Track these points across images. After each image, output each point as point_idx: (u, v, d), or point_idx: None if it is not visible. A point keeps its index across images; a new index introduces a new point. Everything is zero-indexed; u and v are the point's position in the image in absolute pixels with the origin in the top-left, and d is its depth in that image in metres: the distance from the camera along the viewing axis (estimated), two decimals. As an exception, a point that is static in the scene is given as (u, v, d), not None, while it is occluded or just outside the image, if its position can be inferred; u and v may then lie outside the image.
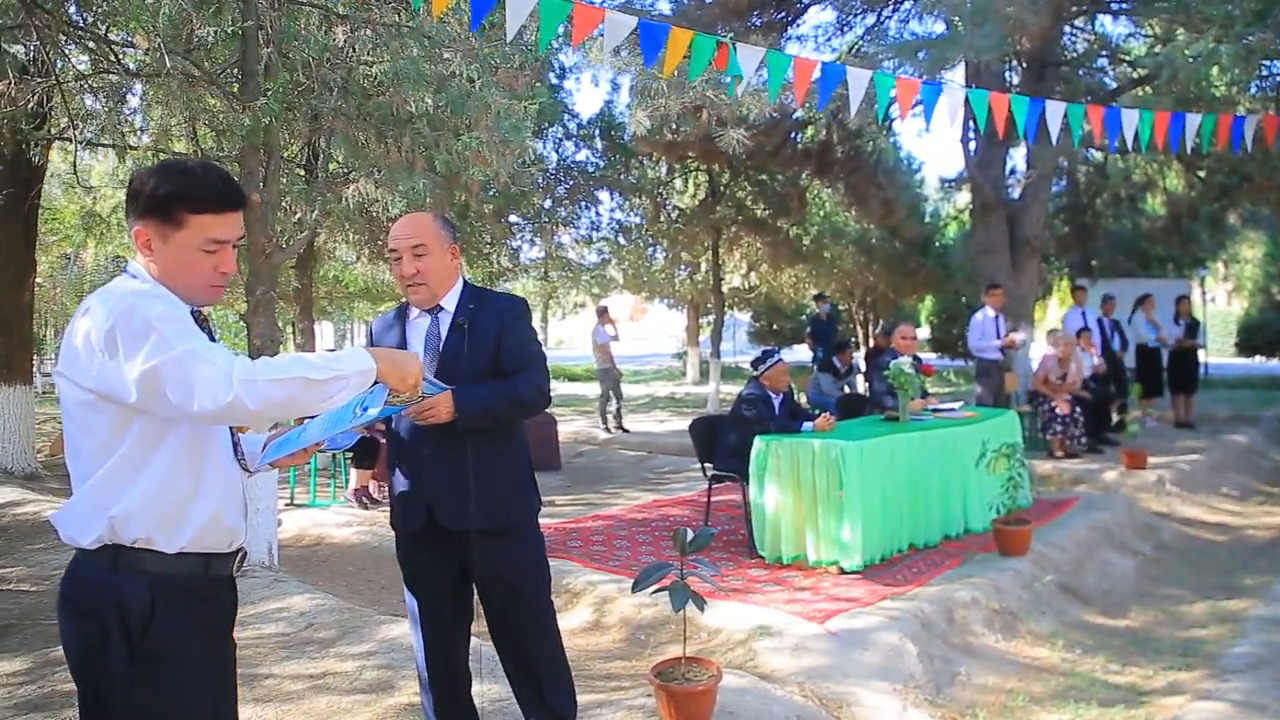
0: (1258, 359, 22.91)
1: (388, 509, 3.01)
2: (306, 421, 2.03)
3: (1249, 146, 7.03)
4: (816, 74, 5.42)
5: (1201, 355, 13.79)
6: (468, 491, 2.68)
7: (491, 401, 2.68)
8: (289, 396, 1.70)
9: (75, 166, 8.73)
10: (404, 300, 2.89)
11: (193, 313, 1.90)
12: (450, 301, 2.81)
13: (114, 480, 1.77)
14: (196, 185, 1.84)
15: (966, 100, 5.78)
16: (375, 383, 1.87)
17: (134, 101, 7.65)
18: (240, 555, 1.98)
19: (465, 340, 2.75)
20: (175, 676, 1.80)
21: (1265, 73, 9.80)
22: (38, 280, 10.53)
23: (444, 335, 2.77)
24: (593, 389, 16.54)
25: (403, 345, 2.78)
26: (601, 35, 4.70)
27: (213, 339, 1.94)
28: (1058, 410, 9.44)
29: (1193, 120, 6.56)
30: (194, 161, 1.97)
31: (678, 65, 5.15)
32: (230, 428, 1.95)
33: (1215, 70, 8.49)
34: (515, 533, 2.82)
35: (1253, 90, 10.16)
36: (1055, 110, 6.09)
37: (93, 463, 1.79)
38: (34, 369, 10.24)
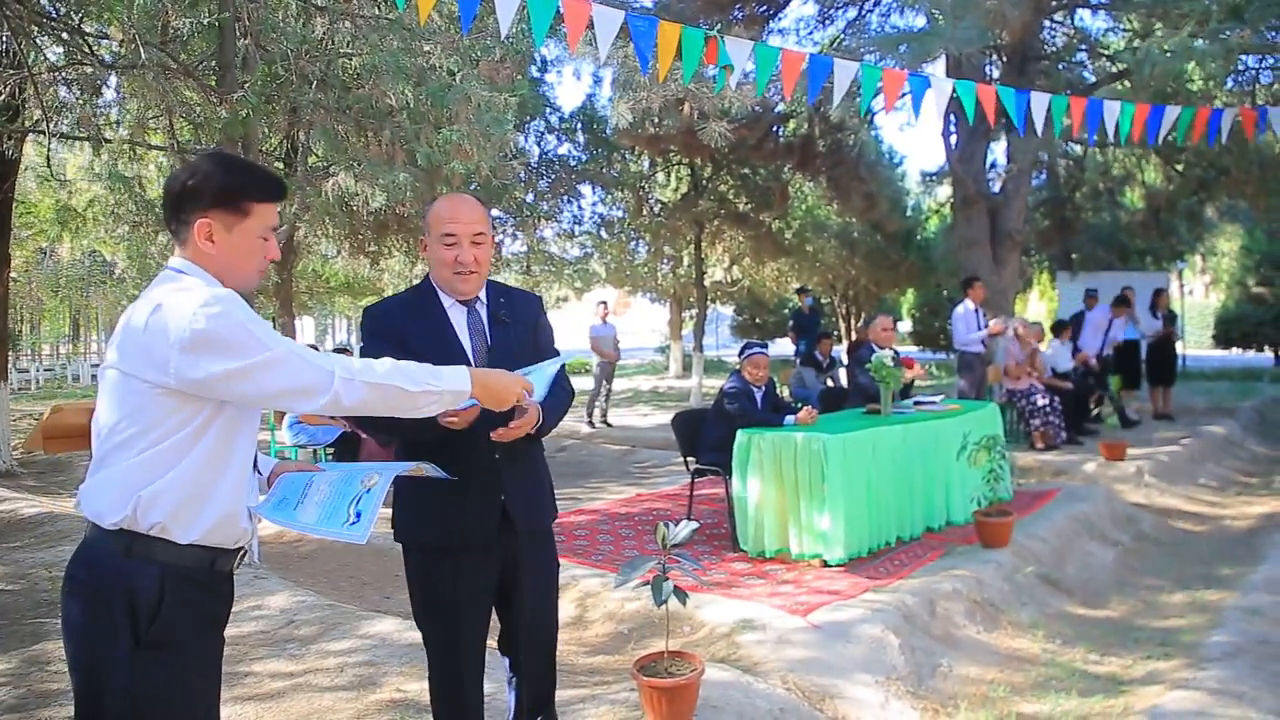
0: (1234, 351, 23.14)
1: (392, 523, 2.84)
2: (307, 490, 2.07)
3: (1224, 140, 7.08)
4: (804, 66, 5.41)
5: (1179, 347, 13.93)
6: (536, 491, 2.74)
7: (557, 409, 2.67)
8: (382, 400, 1.89)
9: (50, 160, 8.62)
10: (419, 285, 2.73)
11: None
12: (482, 293, 2.72)
13: (156, 463, 1.83)
14: (256, 176, 1.98)
15: (954, 92, 5.79)
16: (370, 483, 2.01)
17: (109, 94, 7.57)
18: (242, 554, 2.03)
19: (511, 335, 2.69)
20: (177, 666, 1.84)
21: (1242, 67, 9.90)
22: (12, 275, 10.41)
23: (489, 329, 2.67)
24: (582, 383, 16.56)
25: (444, 335, 2.62)
26: (592, 31, 4.65)
27: None
28: (1038, 402, 9.50)
29: (1171, 113, 6.60)
30: (234, 155, 2.05)
31: (671, 66, 5.10)
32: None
33: (1192, 65, 8.54)
34: (550, 531, 2.85)
35: (1229, 84, 10.26)
36: (1040, 102, 6.11)
37: (133, 444, 1.83)
38: (8, 365, 10.10)
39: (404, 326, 2.62)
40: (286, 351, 1.83)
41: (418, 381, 1.92)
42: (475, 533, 2.60)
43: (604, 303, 13.92)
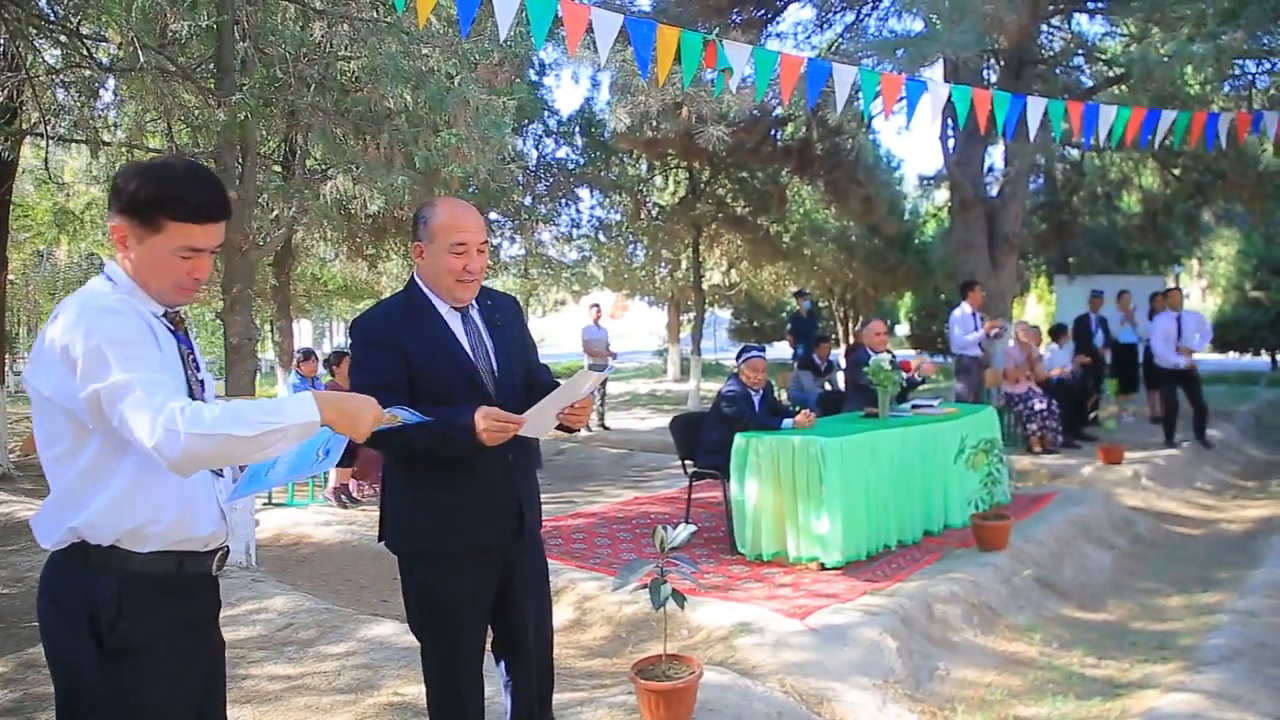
0: (1231, 355, 23.16)
1: (376, 521, 2.81)
2: (275, 461, 1.97)
3: (1223, 144, 7.10)
4: (803, 70, 5.42)
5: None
6: (537, 492, 2.77)
7: None
8: (213, 452, 1.66)
9: (47, 162, 8.62)
10: (408, 291, 2.66)
11: (167, 313, 1.90)
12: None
13: (76, 491, 1.78)
14: (180, 193, 1.82)
15: (949, 97, 5.80)
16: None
17: (107, 96, 7.57)
18: (220, 554, 1.98)
19: (509, 340, 2.71)
20: (146, 672, 1.80)
21: (1238, 71, 9.92)
22: (10, 278, 10.40)
23: (485, 333, 2.66)
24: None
25: (446, 341, 2.58)
26: (591, 35, 4.66)
27: (188, 344, 1.93)
28: (1035, 406, 9.51)
29: (1168, 117, 6.62)
30: (184, 164, 1.93)
31: (670, 69, 5.10)
32: None
33: (1189, 69, 8.57)
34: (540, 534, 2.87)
35: (1226, 89, 10.28)
36: (1035, 107, 6.13)
37: (56, 468, 1.80)
38: (6, 368, 10.09)
39: (403, 334, 2.55)
40: (126, 381, 1.66)
41: (253, 423, 1.67)
42: (493, 535, 2.61)
43: (596, 305, 13.95)
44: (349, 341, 2.64)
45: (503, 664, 2.79)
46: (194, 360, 1.94)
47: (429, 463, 2.52)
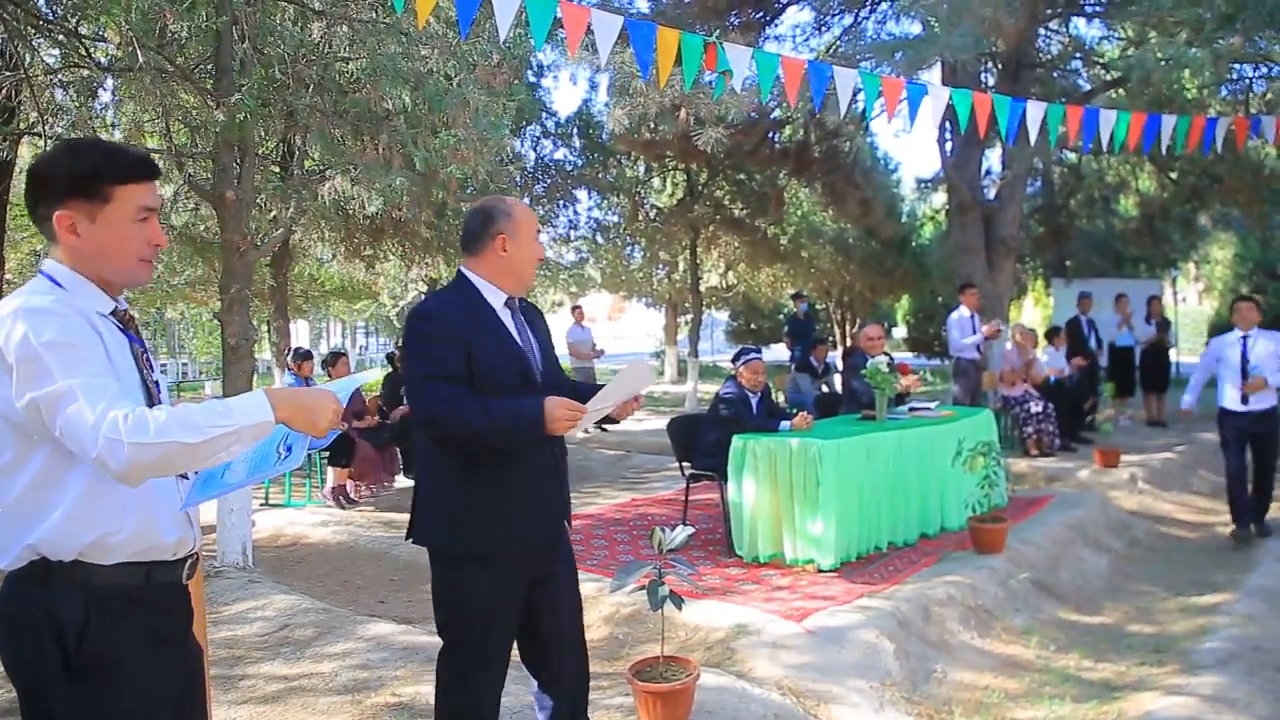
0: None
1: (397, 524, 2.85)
2: (230, 464, 1.87)
3: (1219, 149, 7.12)
4: (804, 73, 5.43)
5: (1173, 355, 13.98)
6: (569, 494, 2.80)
7: None
8: (160, 460, 1.57)
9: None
10: (460, 285, 2.63)
11: (116, 311, 1.81)
12: None
13: (27, 507, 1.69)
14: (114, 158, 1.79)
15: (950, 100, 5.81)
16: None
17: (105, 97, 7.55)
18: (191, 561, 1.89)
19: (543, 337, 2.74)
20: (117, 687, 1.71)
21: (1235, 76, 9.95)
22: (7, 277, 10.37)
23: (528, 330, 2.68)
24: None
25: (504, 336, 2.59)
26: (591, 36, 4.66)
27: (140, 344, 1.85)
28: (1032, 409, 9.52)
29: (1167, 122, 6.64)
30: (87, 139, 1.90)
31: (670, 72, 5.10)
32: None
33: (1186, 73, 8.59)
34: None
35: (1223, 93, 10.32)
36: (1035, 111, 6.14)
37: (7, 481, 1.69)
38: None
39: (468, 329, 2.53)
40: (66, 388, 1.57)
41: (201, 429, 1.57)
42: (539, 534, 2.63)
43: (579, 307, 14.04)
44: (399, 336, 2.51)
45: (535, 683, 2.75)
46: (148, 360, 1.86)
47: (486, 459, 2.51)
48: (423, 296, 2.76)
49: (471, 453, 2.51)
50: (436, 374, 2.45)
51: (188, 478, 1.85)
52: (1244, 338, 6.67)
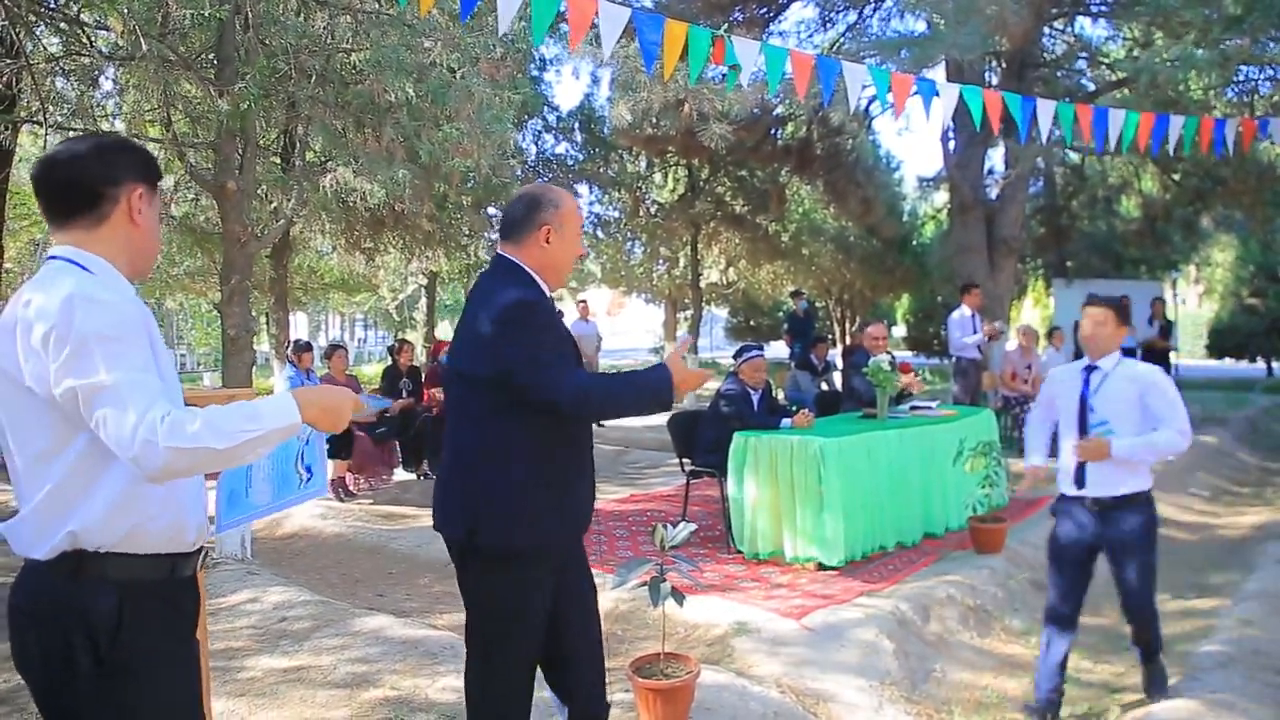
0: (1227, 361, 23.21)
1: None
2: (250, 472, 1.91)
3: (1230, 150, 7.10)
4: (813, 67, 5.40)
5: (1173, 357, 13.97)
6: None
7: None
8: (191, 464, 1.58)
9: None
10: (522, 277, 2.49)
11: None
12: None
13: (67, 493, 1.65)
14: (150, 156, 1.86)
15: (961, 97, 5.78)
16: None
17: (107, 85, 7.54)
18: (203, 553, 1.90)
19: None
20: (148, 685, 1.69)
21: (1241, 77, 9.93)
22: (6, 266, 10.35)
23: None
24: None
25: (565, 330, 2.56)
26: (596, 29, 4.64)
27: None
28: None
29: (1176, 122, 6.61)
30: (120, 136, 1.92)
31: (676, 66, 5.08)
32: None
33: (1193, 74, 8.57)
34: None
35: (1229, 94, 10.29)
36: (1045, 109, 6.11)
37: (36, 469, 1.66)
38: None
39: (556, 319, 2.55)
40: (112, 384, 1.55)
41: (232, 434, 1.59)
42: (584, 526, 2.63)
43: (584, 301, 13.95)
44: (505, 320, 2.40)
45: (556, 675, 2.68)
46: None
47: (563, 451, 2.46)
48: (512, 290, 2.49)
49: (549, 447, 2.41)
50: (563, 358, 2.43)
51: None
52: (1088, 369, 4.20)
